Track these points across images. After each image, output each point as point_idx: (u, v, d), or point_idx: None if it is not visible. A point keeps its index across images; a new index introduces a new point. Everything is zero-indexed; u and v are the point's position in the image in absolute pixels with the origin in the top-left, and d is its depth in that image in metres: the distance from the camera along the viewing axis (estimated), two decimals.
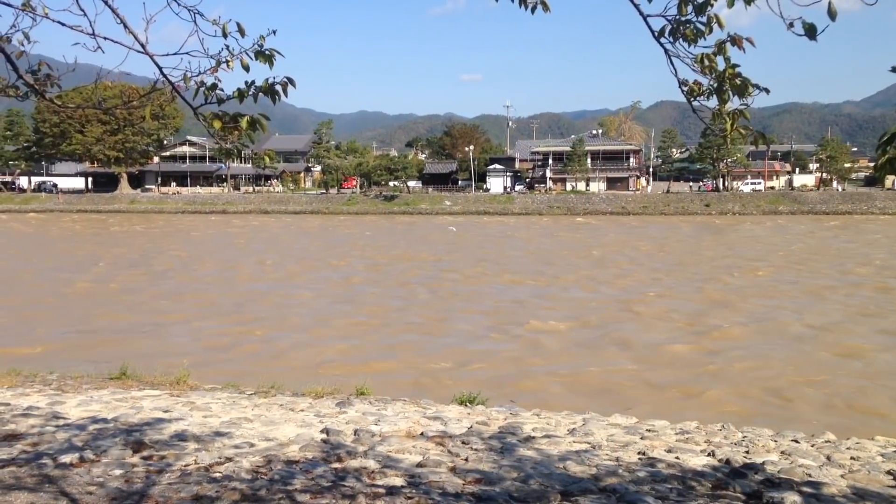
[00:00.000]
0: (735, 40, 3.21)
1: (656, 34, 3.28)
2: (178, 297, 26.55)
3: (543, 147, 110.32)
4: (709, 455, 7.10)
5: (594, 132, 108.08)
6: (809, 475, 6.36)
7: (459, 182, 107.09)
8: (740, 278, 31.69)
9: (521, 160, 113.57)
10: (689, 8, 3.21)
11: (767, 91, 3.27)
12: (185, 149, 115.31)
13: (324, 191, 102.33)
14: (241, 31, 3.59)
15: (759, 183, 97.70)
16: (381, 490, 5.40)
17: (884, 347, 18.35)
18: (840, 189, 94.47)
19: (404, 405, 9.64)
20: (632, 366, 16.40)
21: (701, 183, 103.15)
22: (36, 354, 16.88)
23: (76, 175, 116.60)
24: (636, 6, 3.24)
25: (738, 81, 3.23)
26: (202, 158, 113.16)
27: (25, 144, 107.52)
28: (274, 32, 3.68)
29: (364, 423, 8.06)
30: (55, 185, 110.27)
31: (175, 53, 3.57)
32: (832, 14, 3.05)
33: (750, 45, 3.28)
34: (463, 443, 7.16)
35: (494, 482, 5.76)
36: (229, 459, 6.16)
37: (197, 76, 3.62)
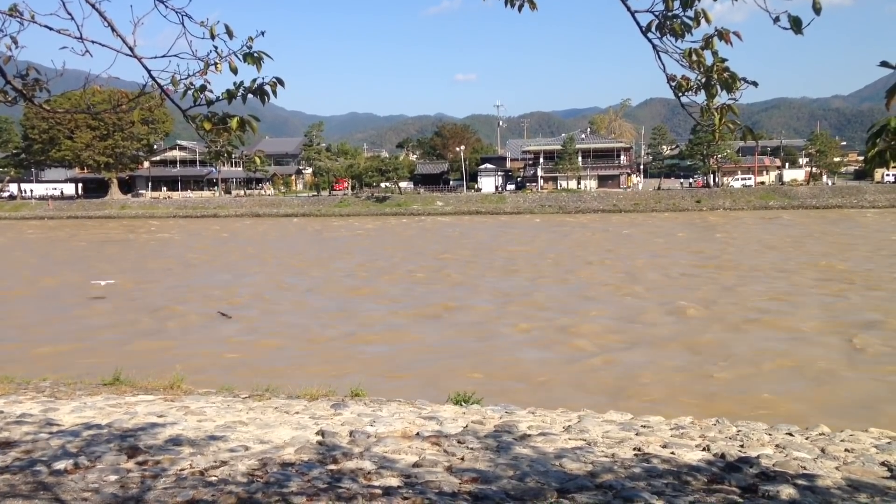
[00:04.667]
0: (722, 34, 3.22)
1: (643, 29, 3.29)
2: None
3: (534, 146, 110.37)
4: (704, 450, 7.12)
5: (583, 136, 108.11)
6: (804, 468, 6.38)
7: (451, 182, 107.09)
8: None
9: (511, 159, 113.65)
10: (676, 3, 3.22)
11: (755, 84, 3.28)
12: (176, 153, 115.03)
13: (315, 193, 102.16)
14: (230, 33, 3.58)
15: (750, 178, 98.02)
16: (378, 491, 5.40)
17: None
18: (830, 183, 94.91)
19: (399, 406, 9.63)
20: None
21: (691, 179, 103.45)
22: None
23: (66, 181, 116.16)
24: (623, 1, 3.24)
25: (726, 75, 3.24)
26: (192, 163, 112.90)
27: (14, 151, 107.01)
28: (262, 34, 3.67)
29: (359, 424, 8.05)
30: (30, 192, 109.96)
31: (163, 56, 3.56)
32: (816, 9, 3.07)
33: (738, 41, 3.29)
34: (459, 442, 7.15)
35: (491, 481, 5.76)
36: (224, 463, 6.15)
37: (186, 78, 3.61)
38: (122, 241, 58.98)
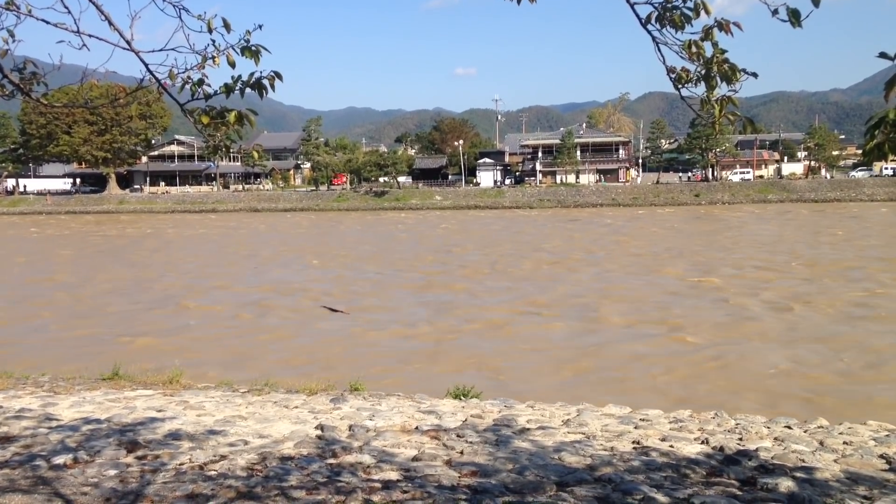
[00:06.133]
0: (722, 25, 3.21)
1: (643, 21, 3.28)
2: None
3: (533, 140, 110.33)
4: (702, 443, 7.13)
5: (582, 130, 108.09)
6: (803, 460, 6.40)
7: (449, 177, 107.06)
8: None
9: (510, 154, 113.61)
10: None
11: (755, 76, 3.27)
12: (174, 148, 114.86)
13: (314, 188, 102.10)
14: (227, 27, 3.57)
15: (748, 172, 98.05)
16: (377, 484, 5.41)
17: None
18: (828, 177, 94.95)
19: (398, 400, 9.64)
20: None
21: (690, 173, 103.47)
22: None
23: (64, 176, 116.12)
24: None
25: (725, 67, 3.23)
26: (190, 157, 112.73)
27: (12, 146, 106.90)
28: (260, 27, 3.66)
29: (358, 418, 8.05)
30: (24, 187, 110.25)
31: (161, 50, 3.54)
32: (815, 1, 3.06)
33: (738, 33, 3.28)
34: (458, 436, 7.16)
35: (490, 474, 5.77)
36: (224, 457, 6.15)
37: (183, 72, 3.59)
38: (154, 237, 58.58)
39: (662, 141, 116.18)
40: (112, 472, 5.64)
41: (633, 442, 7.11)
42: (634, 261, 35.20)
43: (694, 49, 3.23)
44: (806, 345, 17.55)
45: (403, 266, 35.31)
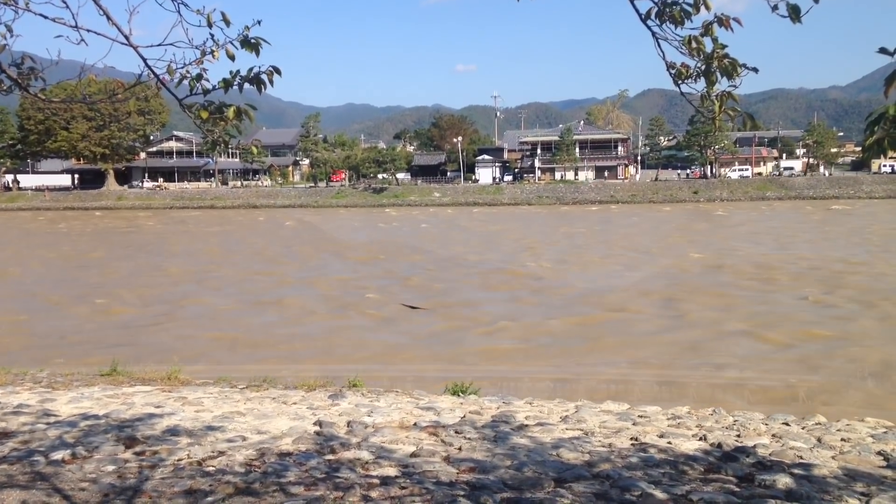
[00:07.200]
0: (722, 21, 3.20)
1: (643, 17, 3.27)
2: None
3: (532, 137, 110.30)
4: (700, 439, 7.14)
5: (580, 127, 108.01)
6: (800, 457, 6.40)
7: (448, 173, 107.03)
8: None
9: (509, 150, 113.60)
10: None
11: (756, 70, 3.27)
12: (172, 144, 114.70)
13: (312, 184, 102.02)
14: (226, 21, 3.56)
15: (747, 169, 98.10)
16: (376, 480, 5.40)
17: None
18: (827, 174, 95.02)
19: (397, 396, 9.64)
20: None
21: (689, 170, 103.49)
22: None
23: (62, 172, 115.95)
24: None
25: (726, 62, 3.23)
26: (189, 154, 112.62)
27: (10, 142, 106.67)
28: (259, 22, 3.65)
29: (357, 414, 8.06)
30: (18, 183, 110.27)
31: (159, 45, 3.53)
32: None
33: (738, 29, 3.27)
34: (456, 432, 7.16)
35: (488, 470, 5.77)
36: (222, 453, 6.15)
37: (182, 67, 3.58)
38: (187, 234, 58.23)
39: (661, 138, 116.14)
40: (110, 468, 5.63)
41: (632, 438, 7.12)
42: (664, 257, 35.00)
43: (694, 45, 3.22)
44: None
45: (430, 266, 34.93)
